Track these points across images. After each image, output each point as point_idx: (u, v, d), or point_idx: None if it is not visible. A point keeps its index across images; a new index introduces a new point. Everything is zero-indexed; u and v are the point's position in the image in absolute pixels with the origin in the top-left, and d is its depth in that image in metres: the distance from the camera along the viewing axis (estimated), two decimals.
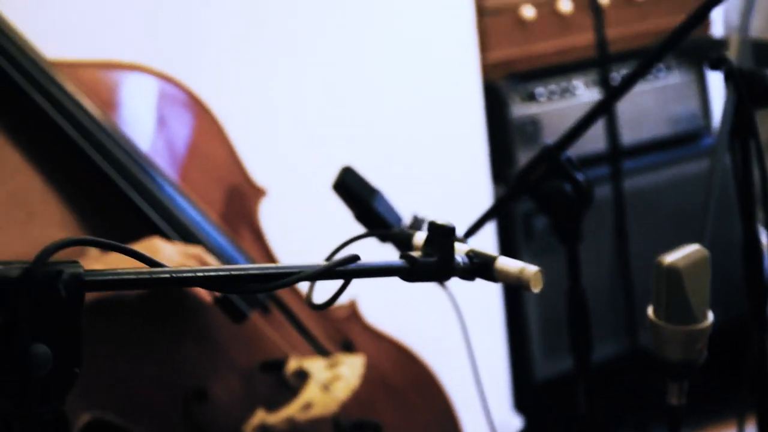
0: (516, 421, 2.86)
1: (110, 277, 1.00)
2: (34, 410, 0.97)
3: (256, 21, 2.47)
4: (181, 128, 1.98)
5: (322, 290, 1.20)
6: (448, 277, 1.23)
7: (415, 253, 1.21)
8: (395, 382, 2.05)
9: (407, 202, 1.74)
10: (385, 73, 2.62)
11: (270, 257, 2.02)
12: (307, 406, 1.81)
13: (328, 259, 1.26)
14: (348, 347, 2.00)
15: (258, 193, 2.03)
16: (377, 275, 1.20)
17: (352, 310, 2.05)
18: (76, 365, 0.97)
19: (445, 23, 2.67)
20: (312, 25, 2.53)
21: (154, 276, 1.02)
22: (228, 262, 1.85)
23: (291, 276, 1.09)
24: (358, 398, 1.88)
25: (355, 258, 1.16)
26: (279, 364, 1.86)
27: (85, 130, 1.74)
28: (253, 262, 1.92)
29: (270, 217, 2.04)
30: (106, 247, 1.01)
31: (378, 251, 1.43)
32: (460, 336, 1.71)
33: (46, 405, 0.97)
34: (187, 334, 1.82)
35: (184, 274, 1.05)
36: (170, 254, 1.73)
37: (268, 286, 1.10)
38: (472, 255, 1.25)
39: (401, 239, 1.38)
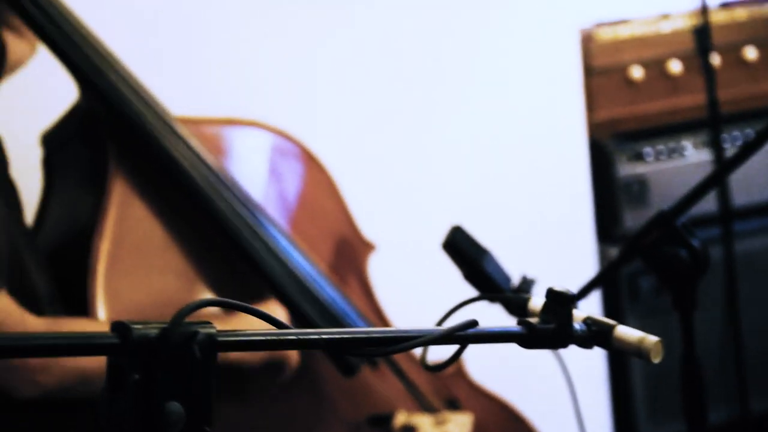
0: None
1: (241, 338, 1.01)
2: None
3: (370, 76, 2.52)
4: (294, 181, 2.02)
5: (434, 349, 1.21)
6: (565, 345, 1.22)
7: (533, 320, 1.21)
8: None
9: (513, 259, 1.74)
10: (493, 131, 2.64)
11: (377, 311, 2.03)
12: None
13: (441, 321, 1.27)
14: (453, 405, 1.99)
15: (367, 247, 2.05)
16: (495, 341, 1.19)
17: (459, 368, 2.05)
18: (207, 424, 0.99)
19: (553, 83, 2.68)
20: (424, 82, 2.57)
21: (281, 338, 1.04)
22: (339, 317, 1.86)
23: (411, 341, 1.10)
24: None
25: (474, 323, 1.16)
26: (386, 419, 1.87)
27: (206, 183, 1.77)
28: (363, 315, 1.93)
29: (378, 271, 2.05)
30: (238, 309, 1.03)
31: (482, 309, 1.44)
32: (565, 396, 1.71)
33: None
34: (299, 386, 1.83)
35: (309, 337, 1.07)
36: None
37: (388, 350, 1.10)
38: (589, 323, 1.24)
39: (516, 304, 1.38)
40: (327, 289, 1.87)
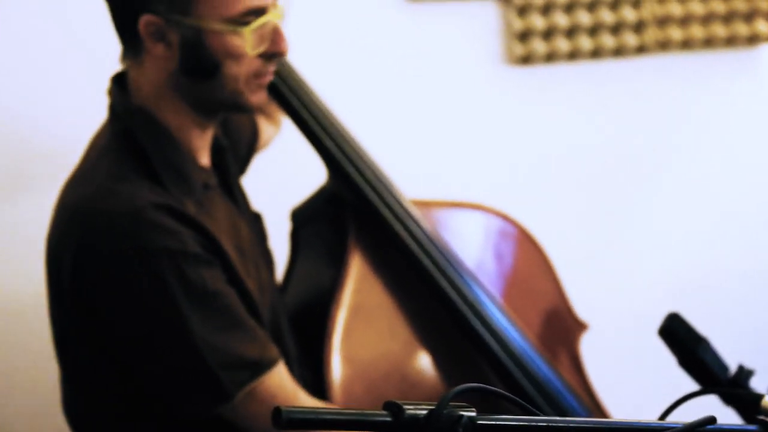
0: None
1: (498, 423, 1.03)
2: None
3: (591, 163, 2.54)
4: (513, 261, 2.03)
5: None
6: None
7: None
8: None
9: (731, 347, 1.71)
10: (710, 216, 2.63)
11: (588, 389, 2.01)
12: None
13: (664, 416, 1.25)
14: None
15: (580, 327, 2.04)
16: None
17: None
18: None
19: (757, 165, 2.65)
20: (643, 165, 2.56)
21: (533, 424, 1.06)
22: (555, 395, 1.86)
23: None
24: None
25: (712, 420, 1.15)
26: None
27: (432, 263, 1.80)
28: (577, 394, 1.92)
29: (589, 349, 2.04)
30: (500, 397, 1.05)
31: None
32: None
33: None
34: None
35: (559, 425, 1.08)
36: None
37: None
38: None
39: (746, 400, 1.35)
40: (542, 366, 1.88)
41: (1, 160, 2.13)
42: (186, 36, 1.55)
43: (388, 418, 1.00)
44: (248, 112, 1.73)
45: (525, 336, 1.88)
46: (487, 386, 1.05)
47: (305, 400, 1.60)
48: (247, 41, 1.54)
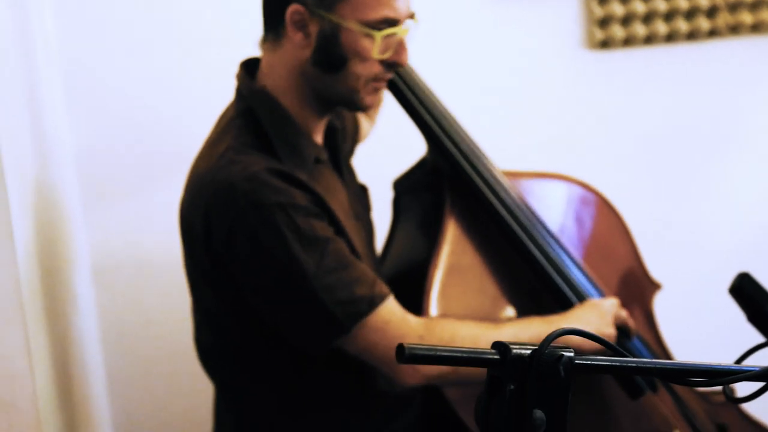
0: None
1: (594, 363, 1.05)
2: None
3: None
4: (592, 225, 2.04)
5: None
6: None
7: None
8: None
9: None
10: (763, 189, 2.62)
11: (660, 343, 2.02)
12: None
13: (740, 360, 1.25)
14: (723, 429, 1.95)
15: (654, 287, 2.05)
16: None
17: (725, 396, 2.01)
18: (563, 430, 1.03)
19: None
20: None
21: (625, 365, 1.09)
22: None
23: (736, 374, 1.10)
24: None
25: None
26: None
27: (519, 226, 1.83)
28: (649, 346, 1.94)
29: (661, 307, 2.05)
30: (593, 339, 1.08)
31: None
32: None
33: None
34: (591, 405, 1.84)
35: (647, 366, 1.11)
36: (609, 306, 1.76)
37: (716, 382, 1.09)
38: None
39: None
40: None
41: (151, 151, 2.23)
42: (324, 29, 1.59)
43: (497, 356, 1.03)
44: (359, 110, 1.75)
45: (602, 292, 1.89)
46: (583, 330, 1.08)
47: (415, 323, 1.62)
48: (376, 45, 1.59)
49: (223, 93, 1.76)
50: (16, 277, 1.63)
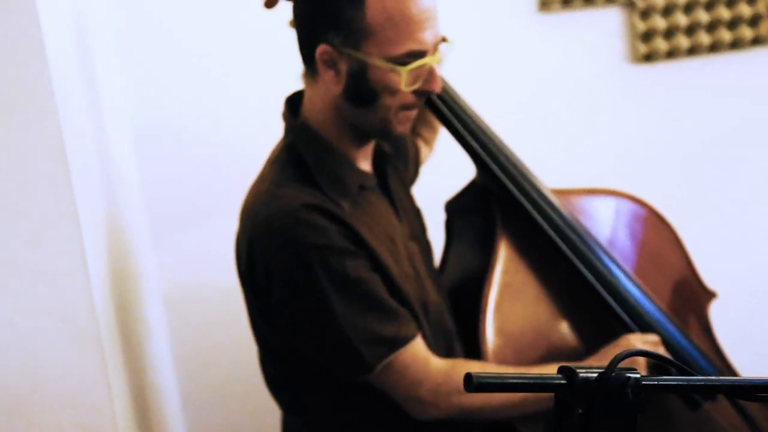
0: None
1: (663, 383, 1.02)
2: None
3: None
4: (644, 238, 1.99)
5: None
6: None
7: None
8: None
9: None
10: None
11: (719, 352, 1.97)
12: None
13: None
14: None
15: (709, 295, 2.00)
16: None
17: None
18: None
19: None
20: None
21: (692, 383, 1.04)
22: (679, 350, 1.82)
23: None
24: None
25: None
26: None
27: (569, 243, 1.79)
28: (707, 356, 1.88)
29: (717, 316, 1.99)
30: (659, 360, 1.04)
31: None
32: None
33: None
34: (655, 418, 1.79)
35: (713, 383, 1.06)
36: (635, 342, 1.72)
37: None
38: None
39: None
40: (672, 331, 1.83)
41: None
42: (353, 67, 1.56)
43: (564, 381, 1.00)
44: (392, 139, 1.72)
45: (655, 303, 1.84)
46: (649, 350, 1.04)
47: (437, 367, 1.61)
48: (402, 79, 1.54)
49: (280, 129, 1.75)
50: (92, 311, 1.63)
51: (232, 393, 2.28)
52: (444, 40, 1.60)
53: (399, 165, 1.83)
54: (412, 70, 1.54)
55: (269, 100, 2.13)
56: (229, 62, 2.23)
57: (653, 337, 1.75)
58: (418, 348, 1.60)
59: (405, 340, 1.58)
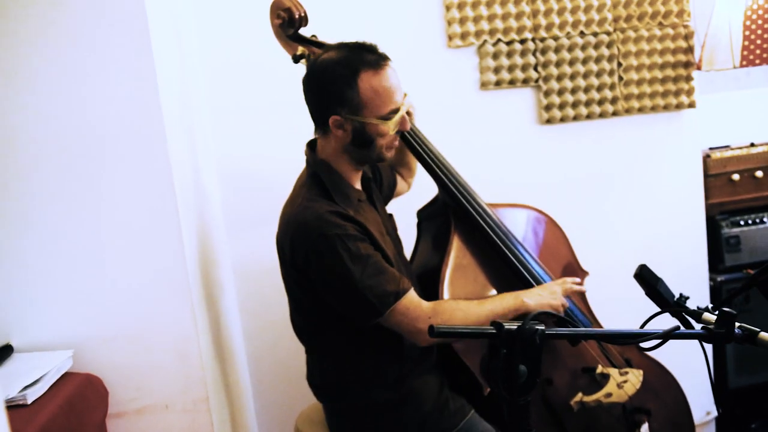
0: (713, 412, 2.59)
1: (558, 333, 1.01)
2: (517, 399, 0.99)
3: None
4: (543, 235, 1.96)
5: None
6: (729, 342, 1.14)
7: (710, 326, 1.13)
8: (656, 385, 1.91)
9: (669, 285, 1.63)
10: (650, 210, 2.51)
11: (590, 311, 1.94)
12: (608, 395, 1.73)
13: (645, 324, 1.20)
14: (628, 362, 1.87)
15: (584, 273, 1.97)
16: (689, 338, 1.12)
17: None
18: (537, 377, 0.99)
19: (688, 182, 2.51)
20: (600, 183, 2.48)
21: (576, 333, 1.03)
22: (571, 312, 1.79)
23: (647, 336, 1.06)
24: (637, 393, 1.77)
25: (678, 327, 1.11)
26: (592, 369, 1.79)
27: (498, 237, 1.77)
28: (581, 311, 1.86)
29: (590, 287, 1.96)
30: (552, 316, 1.02)
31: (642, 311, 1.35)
32: (690, 359, 1.57)
33: (522, 396, 1.00)
34: (548, 350, 1.77)
35: (593, 333, 1.05)
36: (557, 286, 1.69)
37: (634, 341, 1.06)
38: (743, 329, 1.15)
39: (693, 314, 1.28)
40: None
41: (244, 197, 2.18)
42: (356, 126, 1.55)
43: (494, 331, 0.99)
44: (383, 162, 1.68)
45: (551, 277, 1.82)
46: (546, 311, 1.03)
47: (426, 307, 1.57)
48: (390, 127, 1.56)
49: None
50: (185, 274, 1.63)
51: (278, 334, 2.25)
52: (405, 94, 1.60)
53: (375, 185, 1.81)
54: (395, 121, 1.55)
55: (299, 143, 2.12)
56: (280, 119, 2.20)
57: (575, 279, 1.73)
58: (412, 296, 1.56)
59: (404, 291, 1.54)
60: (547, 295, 1.65)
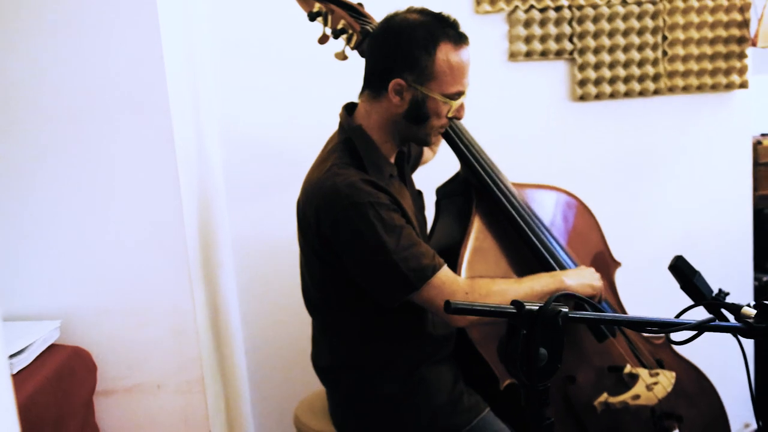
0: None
1: (582, 316, 1.03)
2: (537, 384, 1.02)
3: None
4: (573, 220, 1.98)
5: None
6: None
7: (749, 320, 1.15)
8: (690, 389, 1.92)
9: (711, 279, 1.65)
10: (696, 201, 2.54)
11: (620, 305, 1.96)
12: (636, 397, 1.74)
13: (679, 315, 1.21)
14: (660, 364, 1.88)
15: (616, 264, 1.99)
16: (725, 332, 1.13)
17: (665, 341, 1.95)
18: (559, 362, 1.02)
19: (728, 172, 2.53)
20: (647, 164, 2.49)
21: (599, 317, 1.05)
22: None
23: (678, 326, 1.08)
24: (668, 397, 1.79)
25: (714, 319, 1.13)
26: (620, 368, 1.80)
27: (523, 219, 1.79)
28: (610, 304, 1.89)
29: (621, 280, 1.99)
30: (577, 300, 1.04)
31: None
32: (732, 365, 1.59)
33: (543, 381, 1.02)
34: (572, 345, 1.80)
35: (618, 319, 1.07)
36: (592, 272, 1.71)
37: (663, 331, 1.07)
38: None
39: (731, 308, 1.29)
40: None
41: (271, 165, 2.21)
42: (417, 97, 1.57)
43: (515, 310, 1.01)
44: (427, 145, 1.71)
45: (575, 260, 1.84)
46: (574, 293, 1.05)
47: (463, 282, 1.59)
48: (452, 109, 1.58)
49: (326, 128, 1.74)
50: (184, 245, 1.65)
51: (277, 313, 2.29)
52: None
53: (408, 162, 1.83)
54: (456, 103, 1.58)
55: (315, 113, 2.15)
56: (288, 82, 2.23)
57: (598, 274, 1.75)
58: (447, 270, 1.57)
59: (440, 265, 1.55)
60: (588, 276, 1.67)
